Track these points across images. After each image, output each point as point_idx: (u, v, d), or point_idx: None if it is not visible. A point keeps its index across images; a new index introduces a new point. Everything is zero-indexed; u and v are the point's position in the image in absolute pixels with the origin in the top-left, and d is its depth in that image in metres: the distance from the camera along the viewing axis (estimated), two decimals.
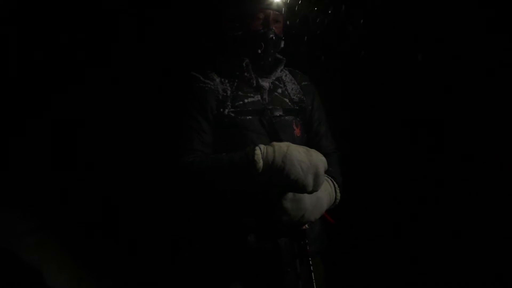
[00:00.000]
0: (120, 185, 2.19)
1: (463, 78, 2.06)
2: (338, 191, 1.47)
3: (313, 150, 1.29)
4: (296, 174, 1.22)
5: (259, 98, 1.52)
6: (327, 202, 1.39)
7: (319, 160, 1.26)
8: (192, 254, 1.60)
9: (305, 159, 1.24)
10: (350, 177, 1.62)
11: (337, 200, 1.48)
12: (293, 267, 1.33)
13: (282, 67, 1.62)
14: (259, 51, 1.50)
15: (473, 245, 2.03)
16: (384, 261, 2.24)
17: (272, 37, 1.49)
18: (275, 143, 1.29)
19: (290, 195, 1.28)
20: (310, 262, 1.30)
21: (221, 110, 1.46)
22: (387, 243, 2.25)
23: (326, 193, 1.40)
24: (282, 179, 1.24)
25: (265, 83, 1.55)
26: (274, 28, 1.51)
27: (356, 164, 2.00)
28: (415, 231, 2.19)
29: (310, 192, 1.27)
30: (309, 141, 1.62)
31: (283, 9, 1.56)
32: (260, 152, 1.26)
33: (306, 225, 1.36)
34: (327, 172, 1.49)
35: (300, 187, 1.25)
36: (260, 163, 1.24)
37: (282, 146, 1.26)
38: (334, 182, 1.48)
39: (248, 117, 1.47)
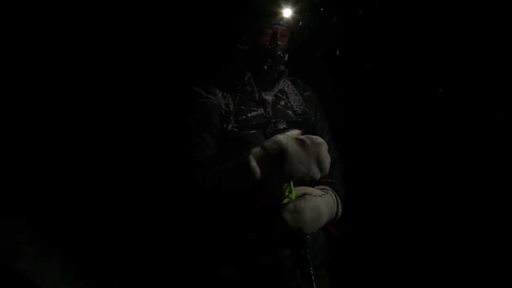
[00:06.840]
0: (123, 195, 2.19)
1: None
2: (340, 206, 1.44)
3: (306, 137, 1.19)
4: (298, 172, 1.16)
5: (262, 112, 1.51)
6: (327, 217, 1.36)
7: (317, 145, 1.17)
8: (195, 268, 1.58)
9: (301, 153, 1.16)
10: (355, 188, 1.60)
11: (338, 216, 1.45)
12: (295, 279, 1.30)
13: (285, 78, 1.60)
14: (265, 67, 1.47)
15: (483, 260, 2.00)
16: (392, 275, 2.19)
17: (280, 53, 1.47)
18: (266, 144, 1.21)
19: (291, 206, 1.23)
20: (312, 273, 1.26)
21: (225, 125, 1.44)
22: (395, 256, 2.21)
23: (328, 207, 1.36)
24: (285, 177, 1.19)
25: (268, 97, 1.53)
26: (280, 43, 1.48)
27: (360, 173, 1.98)
28: (424, 243, 2.15)
29: (322, 176, 1.20)
30: None
31: (291, 24, 1.52)
32: (253, 157, 1.19)
33: (308, 236, 1.34)
34: (330, 184, 1.48)
35: (308, 179, 1.18)
36: (257, 168, 1.18)
37: (274, 147, 1.18)
38: (337, 197, 1.45)
39: (252, 131, 1.45)
